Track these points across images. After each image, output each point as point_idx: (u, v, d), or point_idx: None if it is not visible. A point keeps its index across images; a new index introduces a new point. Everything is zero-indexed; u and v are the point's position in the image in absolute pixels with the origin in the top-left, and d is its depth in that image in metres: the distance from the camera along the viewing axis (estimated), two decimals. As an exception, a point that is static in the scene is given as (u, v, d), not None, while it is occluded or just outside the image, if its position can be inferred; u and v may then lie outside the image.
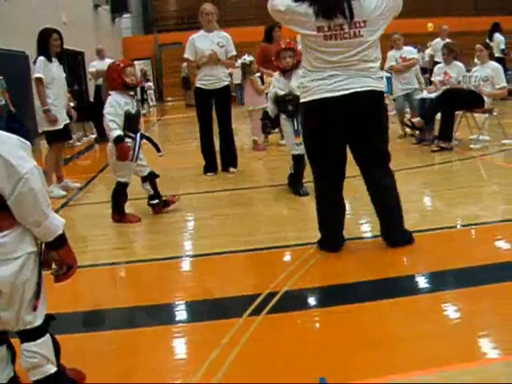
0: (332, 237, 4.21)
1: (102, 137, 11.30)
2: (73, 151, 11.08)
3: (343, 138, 3.99)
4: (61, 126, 6.97)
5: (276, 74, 6.34)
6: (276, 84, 6.11)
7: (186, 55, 7.42)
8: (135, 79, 5.46)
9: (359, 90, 3.80)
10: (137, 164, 5.48)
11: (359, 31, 3.75)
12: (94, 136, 12.84)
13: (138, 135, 5.40)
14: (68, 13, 18.16)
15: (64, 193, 6.94)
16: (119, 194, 5.48)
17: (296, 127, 5.83)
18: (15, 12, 13.81)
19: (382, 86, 4.00)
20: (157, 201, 5.68)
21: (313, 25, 3.77)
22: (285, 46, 6.00)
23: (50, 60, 6.85)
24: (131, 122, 5.36)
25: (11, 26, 13.33)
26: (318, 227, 4.23)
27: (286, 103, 5.88)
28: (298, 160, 5.95)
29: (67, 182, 7.34)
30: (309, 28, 3.80)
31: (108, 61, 12.18)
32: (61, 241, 2.29)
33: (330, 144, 3.99)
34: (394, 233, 4.18)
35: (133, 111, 5.36)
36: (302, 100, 4.05)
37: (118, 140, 5.18)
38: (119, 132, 5.20)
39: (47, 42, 6.83)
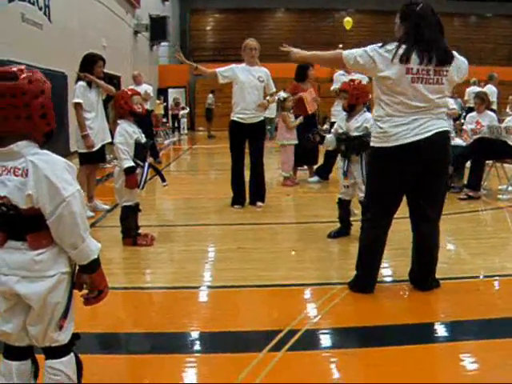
0: (369, 277, 4.23)
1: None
2: (103, 173, 11.22)
3: (416, 181, 4.03)
4: (96, 149, 7.10)
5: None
6: (339, 122, 6.16)
7: (219, 69, 7.53)
8: (142, 108, 5.59)
9: (440, 130, 3.93)
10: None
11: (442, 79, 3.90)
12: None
13: (147, 164, 5.51)
14: (108, 37, 18.52)
15: (92, 214, 6.98)
16: (127, 218, 5.57)
17: (345, 169, 5.78)
18: (57, 33, 14.13)
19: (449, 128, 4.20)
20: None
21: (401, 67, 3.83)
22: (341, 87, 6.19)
23: (90, 85, 7.06)
24: (140, 151, 5.45)
25: (52, 46, 13.62)
26: (356, 266, 4.27)
27: (341, 142, 5.88)
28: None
29: (97, 203, 7.42)
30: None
31: (145, 86, 12.42)
32: (94, 265, 2.35)
33: (401, 188, 4.08)
34: (427, 282, 4.25)
35: (142, 140, 5.47)
36: (379, 145, 4.03)
37: (130, 171, 5.32)
38: (130, 163, 5.33)
39: (91, 68, 7.04)
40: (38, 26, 13.32)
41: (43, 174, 2.17)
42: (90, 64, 7.07)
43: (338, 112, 8.42)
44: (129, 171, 5.31)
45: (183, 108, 25.94)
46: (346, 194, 5.82)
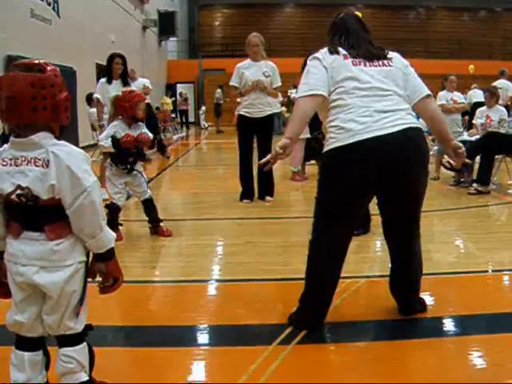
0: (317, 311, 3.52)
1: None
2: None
3: (381, 191, 3.39)
4: None
5: None
6: None
7: (232, 83, 7.55)
8: (142, 114, 5.63)
9: (411, 125, 3.31)
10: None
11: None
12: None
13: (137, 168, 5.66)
14: (117, 33, 18.56)
15: (106, 196, 7.24)
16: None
17: None
18: (66, 29, 14.18)
19: None
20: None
21: None
22: None
23: (109, 81, 7.62)
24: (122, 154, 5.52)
25: (62, 42, 13.69)
26: (301, 297, 3.55)
27: None
28: None
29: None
30: None
31: (142, 80, 12.40)
32: (110, 254, 2.39)
33: (359, 199, 3.40)
34: (411, 303, 3.68)
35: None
36: (333, 146, 3.30)
37: (116, 139, 5.41)
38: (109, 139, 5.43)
39: (110, 65, 7.63)
40: (47, 22, 13.38)
41: (65, 165, 2.20)
42: (109, 61, 7.68)
43: None
44: (115, 140, 5.41)
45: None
46: None
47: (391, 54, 3.49)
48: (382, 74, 3.35)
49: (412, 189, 3.35)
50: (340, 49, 3.41)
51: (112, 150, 5.44)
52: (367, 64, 3.36)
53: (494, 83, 11.65)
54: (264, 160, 3.39)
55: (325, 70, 3.32)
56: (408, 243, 3.53)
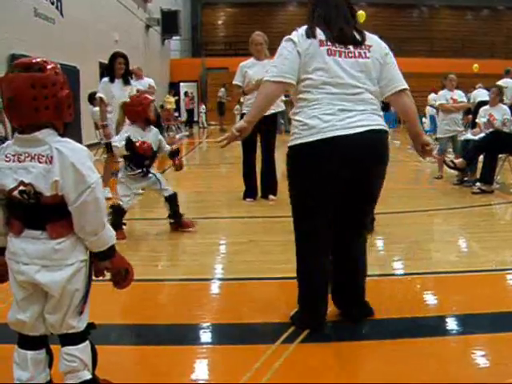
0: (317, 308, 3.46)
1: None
2: (116, 166, 11.24)
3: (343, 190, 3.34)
4: None
5: None
6: None
7: (235, 82, 7.55)
8: (153, 116, 5.68)
9: (377, 127, 3.27)
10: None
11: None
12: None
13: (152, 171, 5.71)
14: (120, 31, 18.57)
15: (110, 194, 7.52)
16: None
17: None
18: (69, 28, 14.19)
19: None
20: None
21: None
22: None
23: (112, 80, 7.67)
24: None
25: (65, 41, 13.70)
26: (298, 299, 3.54)
27: None
28: None
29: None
30: None
31: (147, 80, 12.46)
32: (112, 251, 2.39)
33: (328, 199, 3.33)
34: (359, 307, 3.58)
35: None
36: (296, 142, 3.29)
37: (129, 141, 5.41)
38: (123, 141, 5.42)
39: (112, 65, 7.68)
40: (51, 21, 13.39)
41: (69, 162, 2.20)
42: (111, 61, 7.72)
43: None
44: (129, 141, 5.42)
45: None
46: None
47: (370, 40, 3.35)
48: (356, 68, 3.23)
49: (367, 189, 3.37)
50: (317, 31, 3.25)
51: (125, 153, 5.43)
52: (342, 54, 3.23)
53: (499, 82, 11.61)
54: (220, 138, 3.47)
55: (298, 55, 3.21)
56: (355, 245, 3.52)
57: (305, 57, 3.21)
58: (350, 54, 3.24)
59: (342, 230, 3.46)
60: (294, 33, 3.31)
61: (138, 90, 12.16)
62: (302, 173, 3.30)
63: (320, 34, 3.25)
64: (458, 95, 9.52)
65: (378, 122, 3.26)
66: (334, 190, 3.27)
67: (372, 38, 3.37)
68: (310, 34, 3.24)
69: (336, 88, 3.19)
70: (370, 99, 3.27)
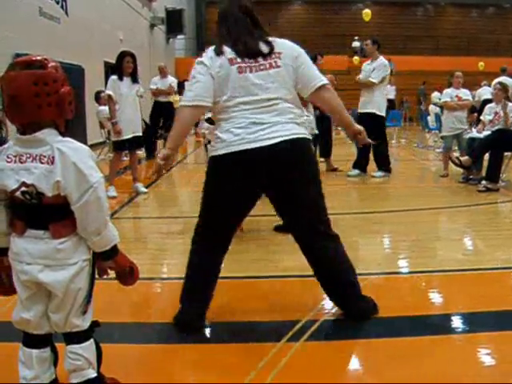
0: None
1: (150, 153, 11.56)
2: (121, 165, 11.27)
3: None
4: (125, 137, 7.89)
5: None
6: None
7: None
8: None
9: (292, 137, 3.25)
10: None
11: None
12: (140, 152, 13.00)
13: None
14: (125, 31, 18.58)
15: (115, 194, 7.68)
16: None
17: None
18: (74, 27, 14.20)
19: None
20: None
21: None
22: None
23: (120, 79, 7.79)
24: None
25: (70, 40, 13.71)
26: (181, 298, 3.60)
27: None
28: None
29: (138, 186, 8.16)
30: None
31: (171, 79, 12.50)
32: (115, 250, 2.39)
33: (233, 211, 3.50)
34: (354, 304, 3.55)
35: None
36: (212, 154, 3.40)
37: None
38: None
39: (120, 63, 7.80)
40: (56, 20, 13.40)
41: (71, 161, 2.19)
42: (119, 60, 7.84)
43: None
44: None
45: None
46: None
47: (280, 47, 3.34)
48: (269, 80, 3.24)
49: (293, 196, 3.39)
50: (225, 48, 3.28)
51: None
52: (253, 69, 3.23)
53: (496, 80, 11.59)
54: (150, 173, 3.56)
55: (211, 78, 3.24)
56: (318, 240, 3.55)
57: (218, 79, 3.24)
58: (261, 67, 3.25)
59: (298, 234, 3.56)
60: (203, 54, 3.34)
61: (157, 89, 12.41)
62: (209, 181, 3.42)
63: (228, 51, 3.27)
64: (463, 93, 9.48)
65: (292, 131, 3.25)
66: (236, 202, 3.39)
67: (283, 44, 3.38)
68: (219, 53, 3.27)
69: (250, 104, 3.22)
70: (287, 108, 3.28)
